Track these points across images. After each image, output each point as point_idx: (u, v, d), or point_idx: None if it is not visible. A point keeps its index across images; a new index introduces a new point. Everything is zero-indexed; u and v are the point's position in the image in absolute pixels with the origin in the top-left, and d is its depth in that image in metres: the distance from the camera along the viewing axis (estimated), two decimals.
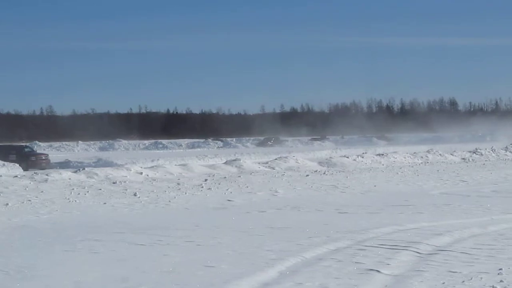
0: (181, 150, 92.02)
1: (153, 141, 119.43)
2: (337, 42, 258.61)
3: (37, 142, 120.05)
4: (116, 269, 10.34)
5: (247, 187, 24.91)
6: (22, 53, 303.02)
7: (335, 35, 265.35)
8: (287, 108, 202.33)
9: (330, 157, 43.91)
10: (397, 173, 31.56)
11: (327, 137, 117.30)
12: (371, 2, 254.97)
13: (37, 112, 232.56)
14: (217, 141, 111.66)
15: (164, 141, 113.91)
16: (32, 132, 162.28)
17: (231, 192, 23.15)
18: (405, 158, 42.03)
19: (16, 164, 45.43)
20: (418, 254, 11.31)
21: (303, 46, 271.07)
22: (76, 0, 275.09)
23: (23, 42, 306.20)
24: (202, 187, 24.79)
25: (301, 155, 50.23)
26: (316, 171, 33.30)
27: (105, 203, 20.13)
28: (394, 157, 41.74)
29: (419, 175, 30.65)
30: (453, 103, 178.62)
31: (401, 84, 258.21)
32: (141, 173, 28.12)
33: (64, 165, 47.85)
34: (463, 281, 9.16)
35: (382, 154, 43.15)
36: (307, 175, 30.21)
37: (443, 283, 9.08)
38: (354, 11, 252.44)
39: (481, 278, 9.33)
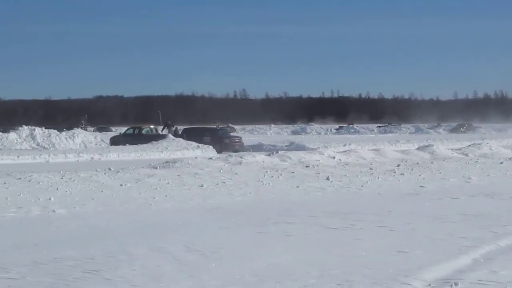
0: (373, 135, 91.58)
1: (344, 125, 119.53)
2: None
3: (230, 124, 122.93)
4: (309, 252, 10.36)
5: (440, 173, 24.43)
6: (219, 37, 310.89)
7: None
8: (480, 95, 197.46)
9: None
10: None
11: None
12: None
13: (231, 95, 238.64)
14: (408, 127, 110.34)
15: (356, 126, 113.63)
16: (226, 115, 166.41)
17: (423, 178, 22.78)
18: None
19: (210, 146, 46.76)
20: None
21: (499, 34, 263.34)
22: None
23: (218, 27, 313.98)
24: (395, 172, 24.52)
25: (495, 142, 48.80)
26: (511, 158, 32.17)
27: (298, 187, 20.27)
28: None
29: None
30: None
31: None
32: (334, 157, 28.13)
33: (257, 148, 48.70)
34: None
35: None
36: (501, 163, 29.24)
37: None
38: None
39: None
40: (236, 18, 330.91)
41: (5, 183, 18.85)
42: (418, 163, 27.97)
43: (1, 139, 50.45)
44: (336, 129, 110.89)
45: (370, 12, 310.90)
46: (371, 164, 27.08)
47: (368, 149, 34.00)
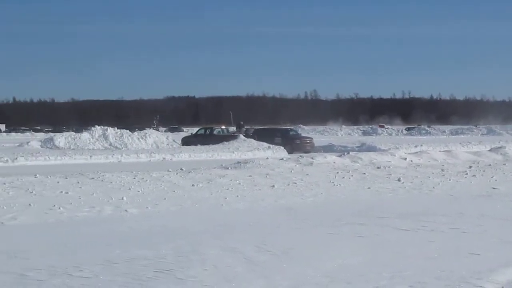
0: (444, 136, 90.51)
1: (416, 126, 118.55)
2: None
3: (300, 125, 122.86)
4: (381, 253, 10.30)
5: None
6: (290, 38, 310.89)
7: None
8: None
9: None
10: None
11: None
12: None
13: (302, 96, 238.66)
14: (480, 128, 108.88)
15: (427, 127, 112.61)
16: (296, 116, 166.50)
17: (495, 180, 22.44)
18: None
19: (281, 147, 46.78)
20: None
21: None
22: None
23: (290, 27, 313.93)
24: (467, 174, 24.20)
25: None
26: None
27: (369, 188, 20.16)
28: None
29: None
30: None
31: None
32: (405, 159, 27.88)
33: (328, 148, 48.58)
34: None
35: None
36: None
37: None
38: None
39: None
40: (308, 19, 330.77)
41: (78, 182, 19.16)
42: (490, 165, 27.55)
43: (74, 139, 51.35)
44: (407, 130, 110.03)
45: (443, 14, 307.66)
46: (443, 165, 26.76)
47: (439, 151, 33.58)
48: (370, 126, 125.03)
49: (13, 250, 10.48)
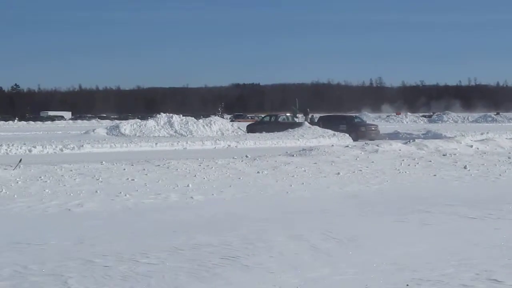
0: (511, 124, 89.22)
1: (482, 114, 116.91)
2: None
3: (366, 112, 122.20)
4: (447, 241, 10.22)
5: None
6: (356, 24, 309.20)
7: None
8: None
9: None
10: None
11: None
12: None
13: (367, 83, 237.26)
14: None
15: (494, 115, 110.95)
16: (361, 103, 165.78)
17: None
18: None
19: (346, 134, 46.61)
20: None
21: None
22: None
23: (356, 14, 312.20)
24: None
25: None
26: None
27: (435, 175, 19.98)
28: None
29: None
30: None
31: None
32: (471, 146, 27.52)
33: (393, 136, 48.25)
34: None
35: None
36: None
37: None
38: None
39: None
40: (374, 7, 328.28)
41: (144, 169, 19.34)
42: None
43: (140, 127, 51.87)
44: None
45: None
46: (509, 153, 26.32)
47: (506, 138, 33.08)
48: (435, 113, 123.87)
49: (80, 237, 10.66)
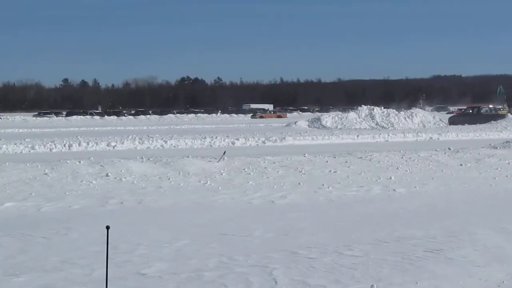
0: None
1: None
2: None
3: None
4: None
5: None
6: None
7: None
8: None
9: None
10: None
11: None
12: None
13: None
14: None
15: None
16: None
17: None
18: None
19: None
20: None
21: None
22: None
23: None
24: None
25: None
26: None
27: None
28: None
29: None
30: None
31: None
32: None
33: None
34: None
35: None
36: None
37: None
38: None
39: None
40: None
41: (346, 161, 19.46)
42: None
43: (341, 119, 52.20)
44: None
45: None
46: None
47: None
48: None
49: (284, 228, 10.89)
